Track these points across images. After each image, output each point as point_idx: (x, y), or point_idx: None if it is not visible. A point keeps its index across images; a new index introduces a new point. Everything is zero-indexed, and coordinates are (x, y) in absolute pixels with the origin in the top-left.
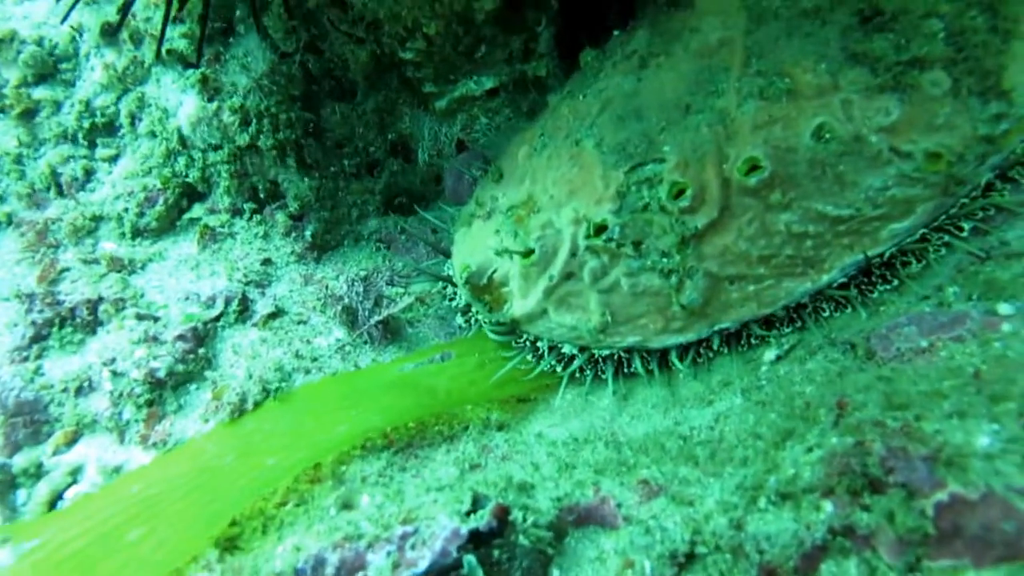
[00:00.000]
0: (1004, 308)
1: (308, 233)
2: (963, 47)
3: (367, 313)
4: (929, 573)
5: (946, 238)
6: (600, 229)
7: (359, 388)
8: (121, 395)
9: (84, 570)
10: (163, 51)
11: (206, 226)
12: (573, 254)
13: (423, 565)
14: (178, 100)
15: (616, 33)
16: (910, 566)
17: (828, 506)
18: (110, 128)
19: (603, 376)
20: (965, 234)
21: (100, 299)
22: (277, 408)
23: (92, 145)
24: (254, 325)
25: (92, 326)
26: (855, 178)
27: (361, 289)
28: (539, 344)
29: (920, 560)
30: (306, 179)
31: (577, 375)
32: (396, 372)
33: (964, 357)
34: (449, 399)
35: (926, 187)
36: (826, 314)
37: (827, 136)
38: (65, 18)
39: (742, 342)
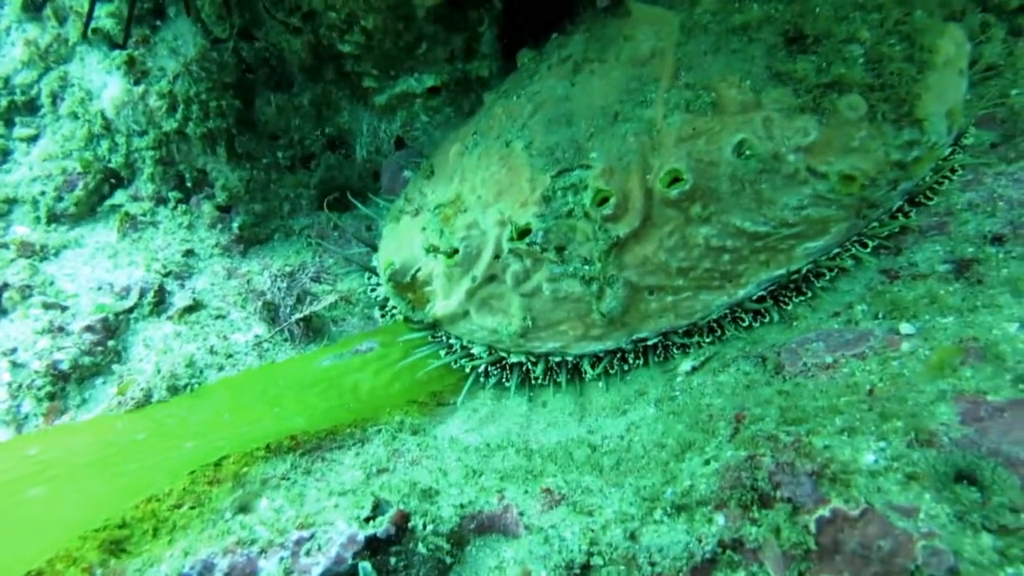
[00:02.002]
0: (906, 328)
1: (235, 225)
2: (881, 74)
3: (288, 310)
4: None
5: (853, 251)
6: (524, 232)
7: (279, 383)
8: (20, 387)
9: None
10: (89, 30)
11: (127, 213)
12: (497, 256)
13: (316, 572)
14: (103, 82)
15: (554, 36)
16: None
17: (720, 519)
18: (30, 107)
19: (507, 384)
20: (868, 251)
21: (5, 285)
22: (192, 398)
23: (10, 124)
24: (169, 318)
25: None
26: (772, 195)
27: (284, 285)
28: (452, 342)
29: (803, 575)
30: (236, 170)
31: (481, 379)
32: (317, 366)
33: (863, 374)
34: (372, 397)
35: (840, 208)
36: (744, 324)
37: (747, 152)
38: None
39: (658, 353)
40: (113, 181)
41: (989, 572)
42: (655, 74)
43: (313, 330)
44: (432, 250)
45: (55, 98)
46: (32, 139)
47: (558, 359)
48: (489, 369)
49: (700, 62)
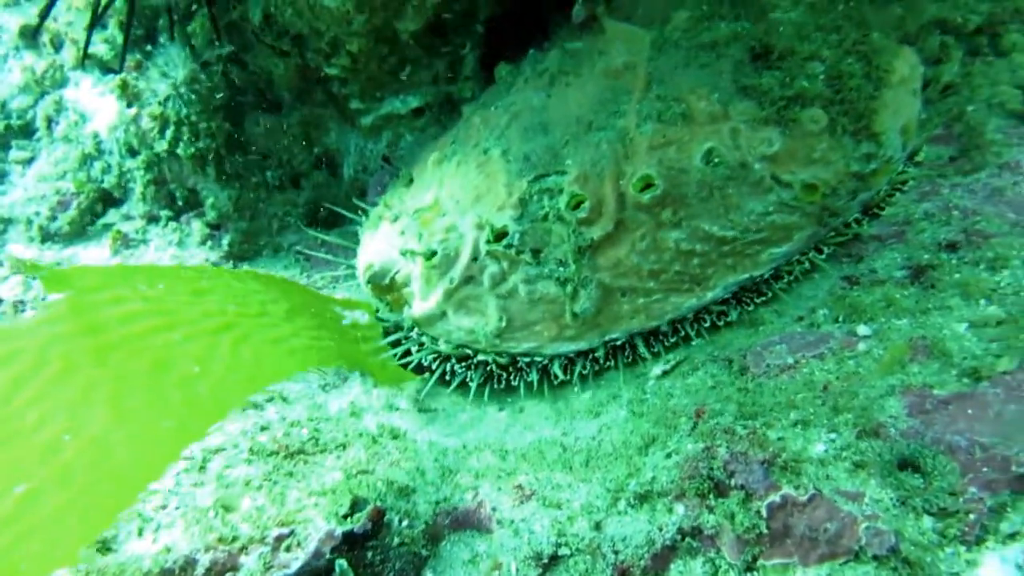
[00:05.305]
0: (862, 329)
1: (225, 242)
2: (840, 89)
3: None
4: (763, 571)
5: (811, 255)
6: (501, 235)
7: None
8: None
9: (140, 355)
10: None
11: (119, 232)
12: (474, 258)
13: (295, 566)
14: (96, 105)
15: (531, 51)
16: (748, 565)
17: (679, 508)
18: (26, 131)
19: (470, 383)
20: (823, 256)
21: (0, 301)
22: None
23: (6, 147)
24: None
25: None
26: (739, 202)
27: None
28: (423, 340)
29: (756, 559)
30: (226, 189)
31: (447, 376)
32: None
33: (821, 373)
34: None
35: (803, 216)
36: (707, 325)
37: (716, 160)
38: None
39: (627, 354)
40: (106, 201)
41: (929, 551)
42: (628, 86)
43: None
44: (409, 254)
45: (50, 122)
46: (27, 161)
47: (528, 360)
48: (456, 368)
49: (671, 76)
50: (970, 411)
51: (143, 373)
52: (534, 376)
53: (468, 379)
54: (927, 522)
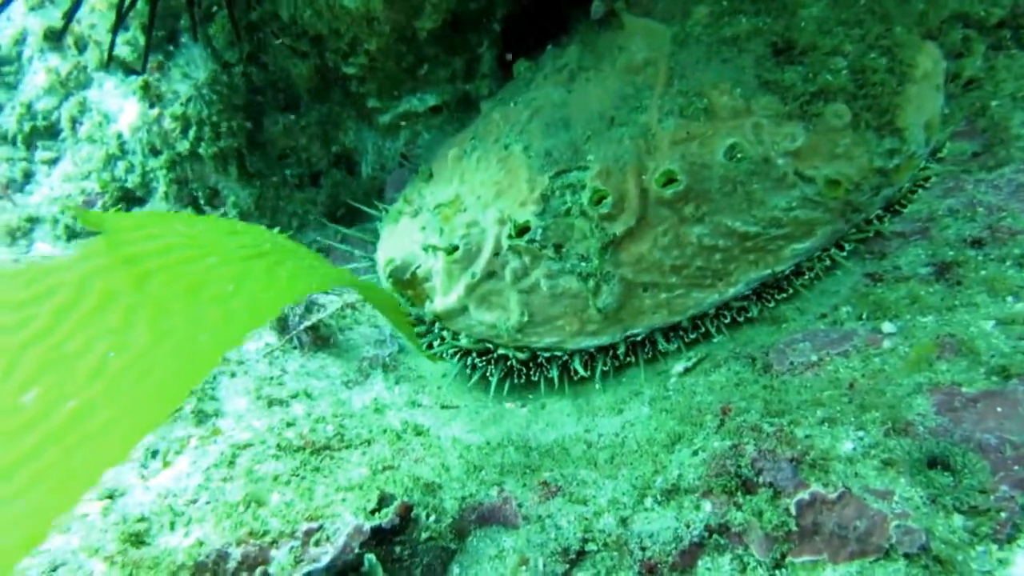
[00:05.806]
0: (887, 327)
1: None
2: (863, 84)
3: (297, 319)
4: (792, 568)
5: (832, 252)
6: (523, 230)
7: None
8: None
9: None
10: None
11: None
12: (496, 253)
13: (325, 560)
14: (119, 106)
15: (549, 47)
16: (776, 562)
17: (707, 505)
18: (51, 131)
19: (490, 377)
20: (844, 253)
21: None
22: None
23: (32, 147)
24: None
25: None
26: (763, 197)
27: None
28: (444, 334)
29: (785, 556)
30: (247, 188)
31: (467, 370)
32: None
33: (847, 371)
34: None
35: (826, 211)
36: (727, 321)
37: (739, 156)
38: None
39: (647, 350)
40: (130, 200)
41: (960, 550)
42: (649, 82)
43: (321, 338)
44: (431, 248)
45: (74, 122)
46: (53, 162)
47: (548, 355)
48: (476, 363)
49: (692, 71)
50: (999, 409)
51: (180, 295)
52: (555, 372)
53: (488, 374)
54: (958, 520)
